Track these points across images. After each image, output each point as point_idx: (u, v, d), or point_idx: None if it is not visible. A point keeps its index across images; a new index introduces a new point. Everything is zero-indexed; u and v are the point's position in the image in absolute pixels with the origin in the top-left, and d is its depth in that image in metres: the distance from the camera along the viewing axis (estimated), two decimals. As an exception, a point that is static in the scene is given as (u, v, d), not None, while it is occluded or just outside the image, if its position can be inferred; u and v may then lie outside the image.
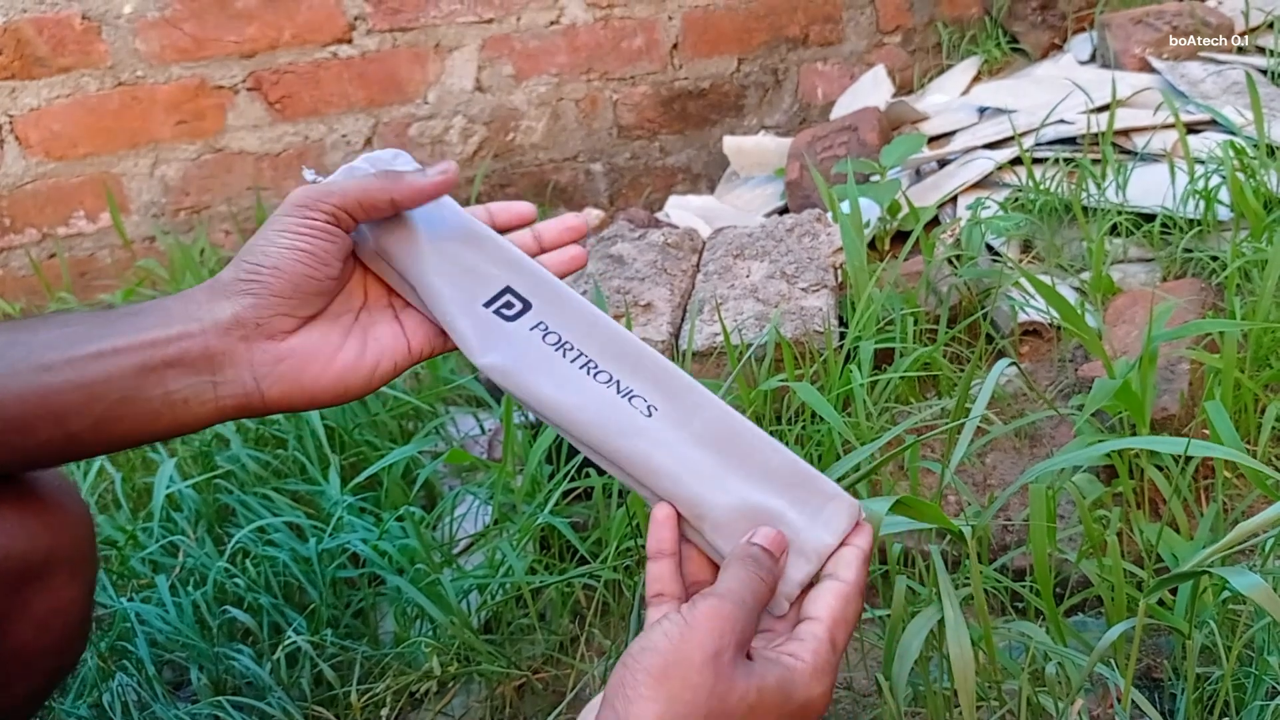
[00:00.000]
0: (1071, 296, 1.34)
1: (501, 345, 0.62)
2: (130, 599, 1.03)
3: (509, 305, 0.63)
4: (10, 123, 1.82)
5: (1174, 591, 0.85)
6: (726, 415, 0.62)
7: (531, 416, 1.26)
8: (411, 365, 0.64)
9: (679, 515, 0.60)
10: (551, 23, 2.07)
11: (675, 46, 2.17)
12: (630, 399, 0.61)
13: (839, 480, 0.89)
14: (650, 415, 0.61)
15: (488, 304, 0.63)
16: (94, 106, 1.85)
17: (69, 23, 1.81)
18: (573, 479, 1.09)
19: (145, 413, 0.57)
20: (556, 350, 0.62)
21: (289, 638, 0.96)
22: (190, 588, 1.03)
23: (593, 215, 2.06)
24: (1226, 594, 0.82)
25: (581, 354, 0.62)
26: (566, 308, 0.64)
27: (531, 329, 0.63)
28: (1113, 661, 0.82)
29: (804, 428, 1.11)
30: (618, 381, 0.62)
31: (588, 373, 0.62)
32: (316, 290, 0.60)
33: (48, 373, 0.55)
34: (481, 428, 1.33)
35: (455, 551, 1.10)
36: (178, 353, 0.57)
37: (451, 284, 0.62)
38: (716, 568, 0.59)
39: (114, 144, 1.88)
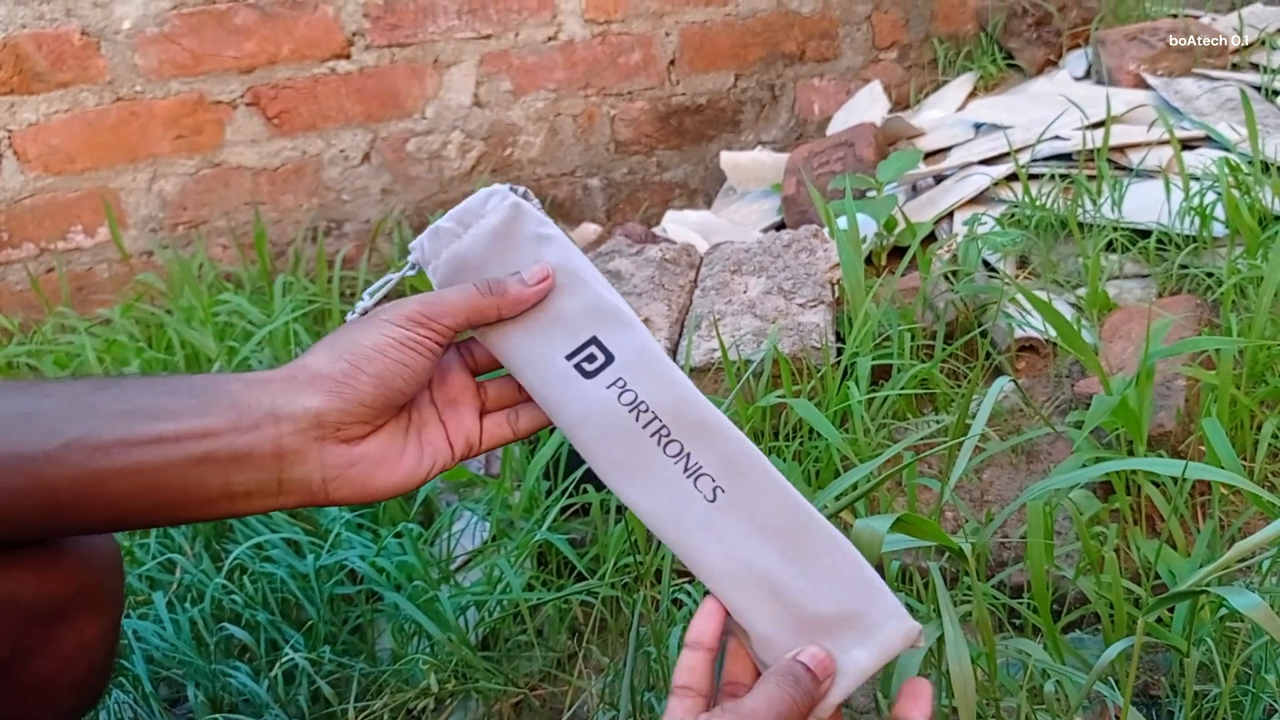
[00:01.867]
0: (1068, 312, 1.34)
1: (575, 403, 0.60)
2: (128, 616, 1.02)
3: (591, 359, 0.61)
4: (9, 137, 1.82)
5: (1172, 609, 0.85)
6: (795, 505, 0.59)
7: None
8: (450, 468, 0.63)
9: (727, 612, 0.58)
10: (549, 38, 2.08)
11: (672, 62, 2.18)
12: (697, 479, 0.59)
13: (837, 498, 0.89)
14: (714, 499, 0.59)
15: (569, 356, 0.61)
16: (92, 121, 1.85)
17: (68, 38, 1.81)
18: (571, 495, 1.09)
19: (202, 500, 0.55)
20: (630, 413, 0.60)
21: (286, 655, 0.96)
22: (187, 604, 1.03)
23: (590, 230, 2.06)
24: (1224, 612, 0.82)
25: (656, 418, 0.60)
26: (648, 362, 0.61)
27: (609, 386, 0.60)
28: (1111, 679, 0.82)
29: (802, 444, 1.11)
30: (688, 455, 0.59)
31: (658, 442, 0.59)
32: (401, 404, 0.59)
33: (104, 456, 0.53)
34: (479, 443, 1.33)
35: (453, 568, 1.10)
36: (246, 447, 0.55)
37: (534, 336, 0.61)
38: (758, 672, 0.58)
39: (112, 159, 1.88)
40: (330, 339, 0.58)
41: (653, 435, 0.60)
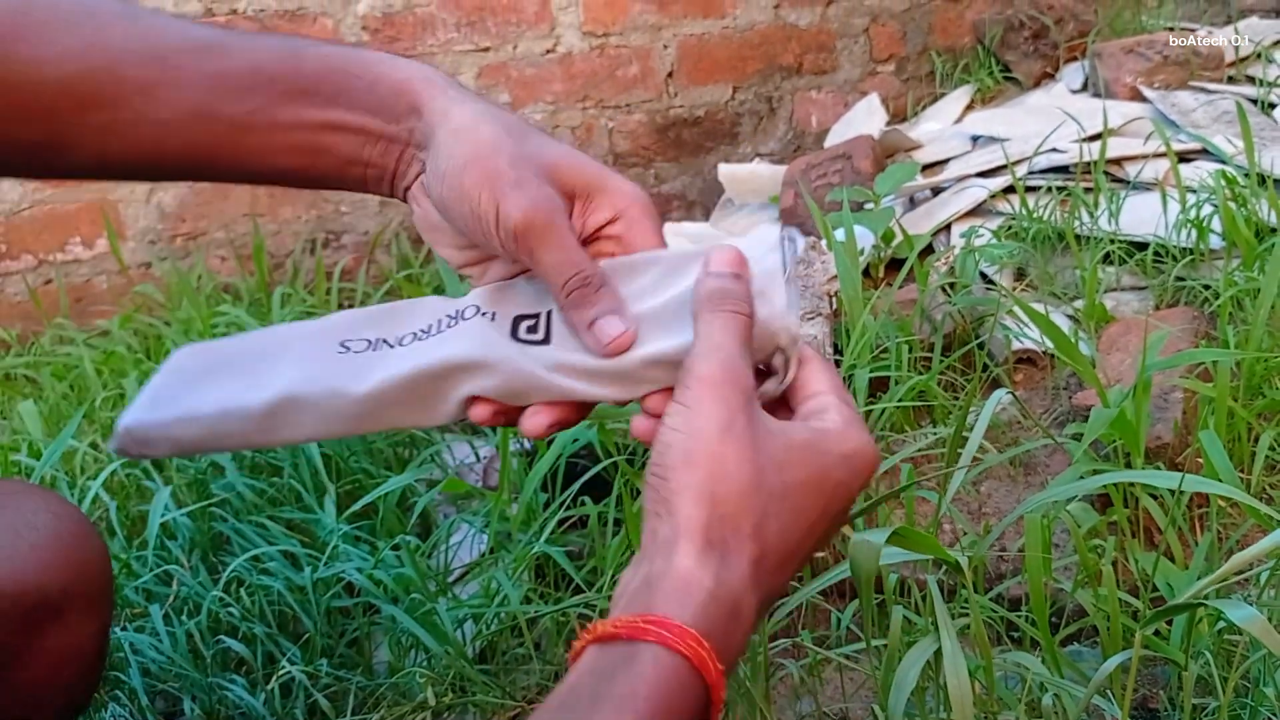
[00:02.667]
0: (1065, 324, 1.34)
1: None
2: (124, 628, 1.02)
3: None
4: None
5: (1170, 622, 0.85)
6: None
7: (528, 444, 1.27)
8: None
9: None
10: (547, 51, 2.09)
11: (670, 75, 2.18)
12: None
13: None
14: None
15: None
16: (92, 133, 1.86)
17: (68, 50, 1.82)
18: (568, 508, 1.09)
19: (343, 180, 0.58)
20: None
21: (283, 668, 0.96)
22: (184, 617, 1.02)
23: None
24: (1223, 624, 0.82)
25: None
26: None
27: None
28: (1109, 692, 0.82)
29: (800, 456, 1.11)
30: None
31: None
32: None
33: (282, 132, 0.56)
34: (477, 455, 1.33)
35: (450, 580, 1.10)
36: (380, 155, 0.57)
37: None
38: None
39: (111, 170, 1.88)
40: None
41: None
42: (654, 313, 0.54)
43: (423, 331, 0.57)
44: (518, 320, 0.57)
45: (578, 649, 0.42)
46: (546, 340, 0.55)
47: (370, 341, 0.57)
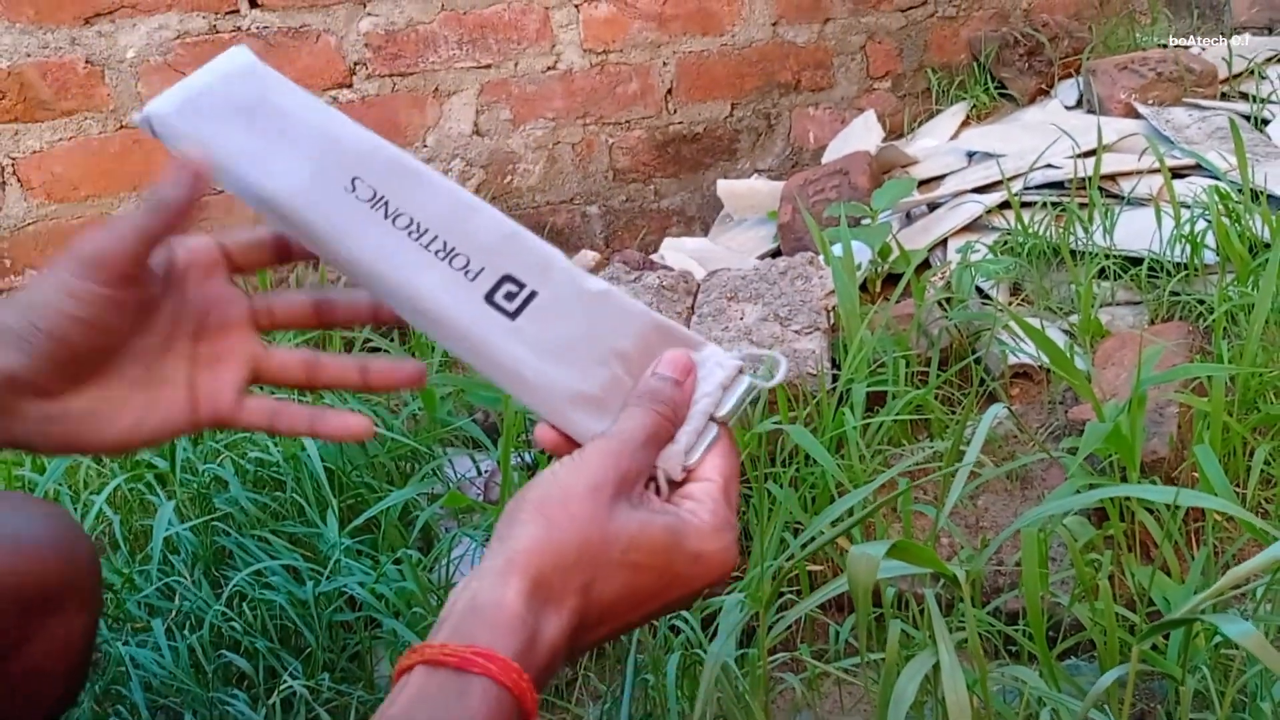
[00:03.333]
0: (1060, 339, 1.35)
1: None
2: (126, 642, 1.03)
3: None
4: (12, 165, 1.83)
5: (1167, 636, 0.86)
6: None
7: (529, 457, 1.27)
8: (198, 431, 0.57)
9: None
10: (548, 68, 2.11)
11: (670, 91, 2.20)
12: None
13: (833, 523, 0.90)
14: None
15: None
16: (95, 149, 1.87)
17: (73, 67, 1.83)
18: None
19: None
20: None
21: (285, 682, 0.96)
22: (186, 631, 1.03)
23: (589, 257, 2.08)
24: (1219, 639, 0.83)
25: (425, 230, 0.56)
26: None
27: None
28: (1106, 707, 0.82)
29: (798, 470, 1.12)
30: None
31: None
32: (97, 352, 0.53)
33: None
34: (478, 469, 1.34)
35: (452, 594, 1.10)
36: None
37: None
38: None
39: (115, 186, 1.89)
40: (31, 283, 0.53)
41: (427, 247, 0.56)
42: (567, 340, 0.55)
43: (417, 231, 0.55)
44: (503, 280, 0.55)
45: (405, 665, 0.44)
46: (515, 315, 0.55)
47: (375, 195, 0.55)
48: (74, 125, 1.85)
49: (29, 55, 1.80)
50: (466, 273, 0.55)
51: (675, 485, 0.54)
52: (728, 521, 0.52)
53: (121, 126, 1.88)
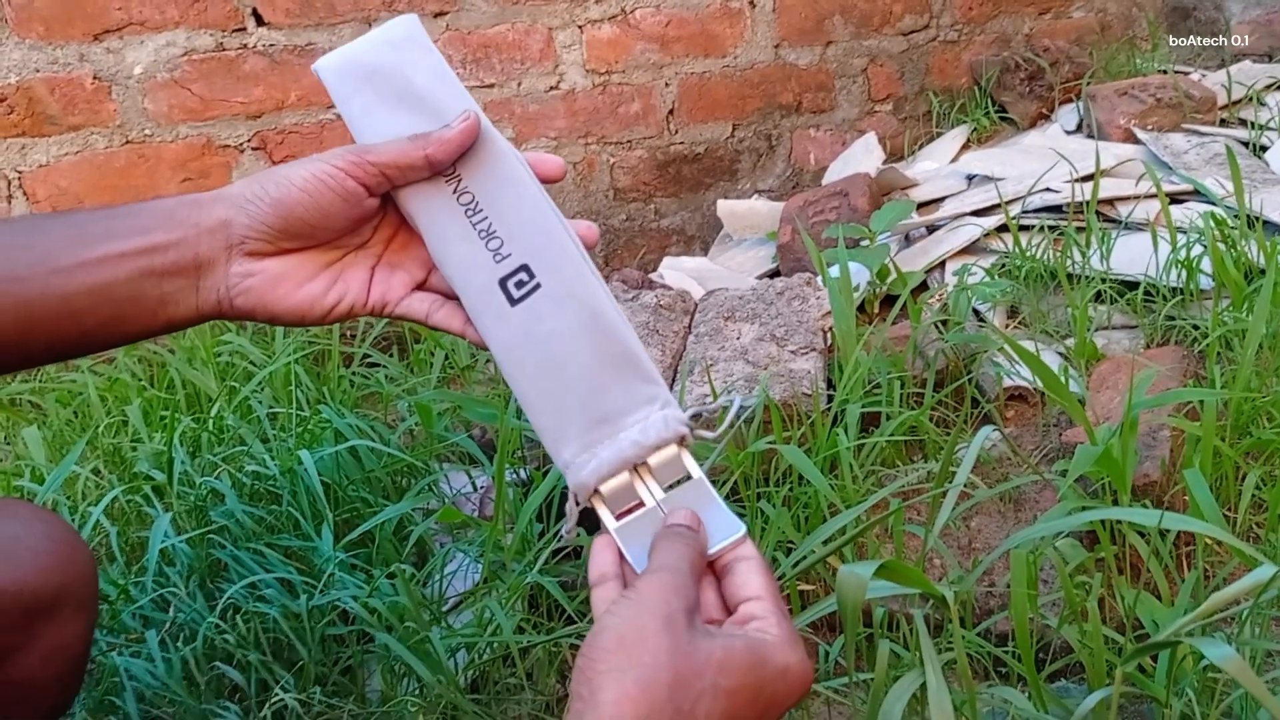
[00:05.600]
0: (1055, 362, 1.36)
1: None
2: (120, 653, 1.03)
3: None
4: (19, 178, 1.85)
5: (1155, 658, 0.86)
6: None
7: (524, 473, 1.28)
8: (363, 315, 0.67)
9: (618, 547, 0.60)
10: (551, 88, 2.12)
11: (671, 112, 2.21)
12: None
13: (824, 543, 0.91)
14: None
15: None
16: (101, 164, 1.89)
17: (80, 82, 1.85)
18: (562, 538, 1.10)
19: (145, 310, 0.61)
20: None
21: (277, 695, 0.96)
22: (180, 643, 1.03)
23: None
24: (1206, 661, 0.83)
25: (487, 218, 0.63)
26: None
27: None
28: (1093, 728, 0.82)
29: (791, 489, 1.13)
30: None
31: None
32: (304, 233, 0.62)
33: (61, 275, 0.59)
34: (474, 484, 1.35)
35: (444, 609, 1.11)
36: (175, 257, 0.60)
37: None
38: None
39: (119, 200, 1.91)
40: (292, 163, 0.63)
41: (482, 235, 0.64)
42: (547, 339, 0.62)
43: (473, 209, 0.63)
44: (520, 269, 0.62)
45: None
46: (515, 303, 0.62)
47: (452, 169, 0.64)
48: (80, 140, 1.87)
49: (38, 70, 1.82)
50: (496, 255, 0.63)
51: (729, 612, 0.56)
52: (795, 632, 0.54)
53: (127, 141, 1.89)
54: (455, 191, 0.64)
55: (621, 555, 0.59)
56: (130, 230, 0.60)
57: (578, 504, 0.62)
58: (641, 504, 0.60)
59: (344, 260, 0.65)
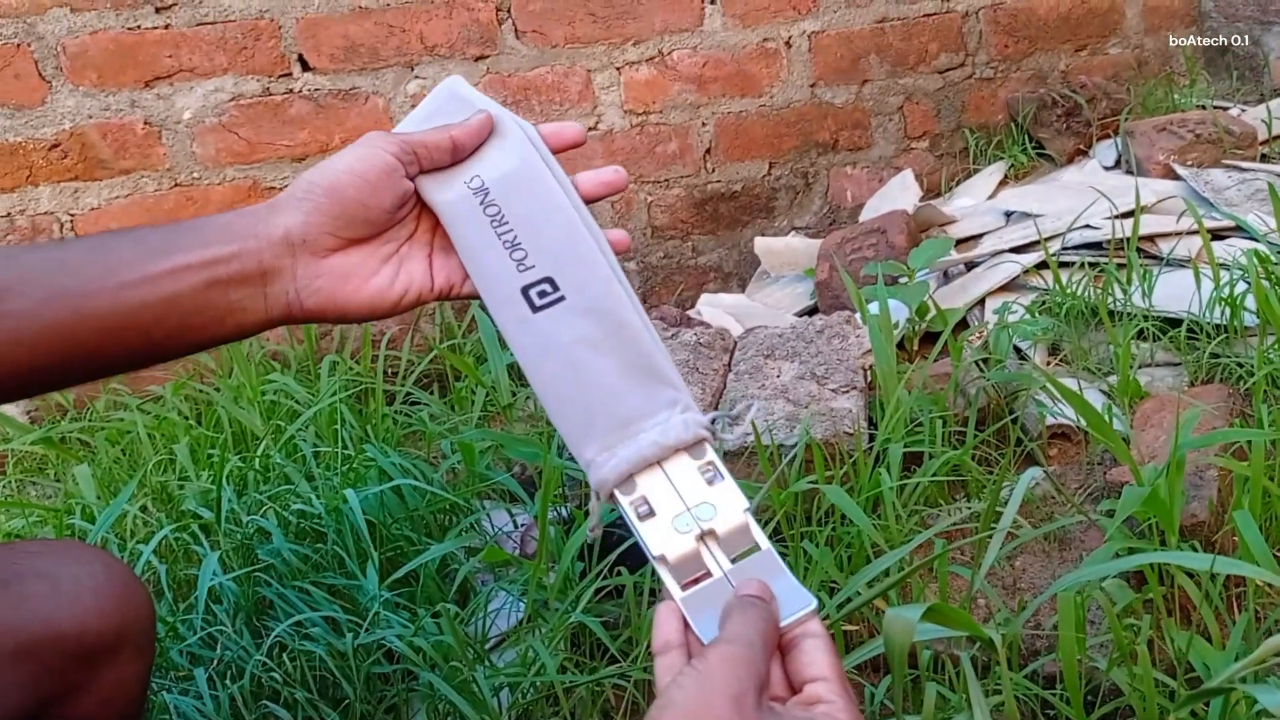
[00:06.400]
0: (1098, 400, 1.35)
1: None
2: (169, 691, 1.05)
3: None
4: (71, 221, 1.90)
5: (1207, 703, 0.85)
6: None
7: (565, 512, 1.29)
8: (433, 300, 0.70)
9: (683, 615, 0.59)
10: (590, 128, 2.15)
11: (708, 151, 2.24)
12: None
13: (869, 584, 0.90)
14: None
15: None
16: (150, 206, 1.93)
17: (131, 128, 1.90)
18: (604, 577, 1.10)
19: (213, 319, 0.63)
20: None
21: (324, 733, 0.97)
22: (228, 680, 1.05)
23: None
24: (1260, 707, 0.82)
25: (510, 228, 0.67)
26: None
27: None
28: (1145, 774, 0.81)
29: (834, 529, 1.13)
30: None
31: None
32: (364, 218, 0.65)
33: (129, 289, 0.61)
34: (515, 524, 1.36)
35: (488, 648, 1.11)
36: (239, 268, 0.63)
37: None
38: None
39: (168, 241, 1.95)
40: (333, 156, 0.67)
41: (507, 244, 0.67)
42: (568, 346, 0.65)
43: (499, 221, 0.67)
44: (543, 280, 0.66)
45: None
46: (536, 310, 0.65)
47: (483, 185, 0.68)
48: (130, 183, 1.92)
49: (91, 117, 1.88)
50: (520, 265, 0.66)
51: (792, 689, 0.56)
52: (859, 713, 0.53)
53: (176, 184, 1.94)
54: (483, 204, 0.68)
55: (687, 624, 0.58)
56: (193, 244, 0.62)
57: (599, 499, 0.63)
58: (708, 574, 0.60)
59: (400, 252, 0.68)
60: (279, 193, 0.69)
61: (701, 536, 0.61)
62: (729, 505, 0.62)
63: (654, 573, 1.07)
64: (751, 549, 0.60)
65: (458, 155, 0.68)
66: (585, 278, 0.65)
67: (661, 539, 0.61)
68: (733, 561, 0.60)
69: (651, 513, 0.61)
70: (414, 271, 0.68)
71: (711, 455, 0.63)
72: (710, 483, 0.62)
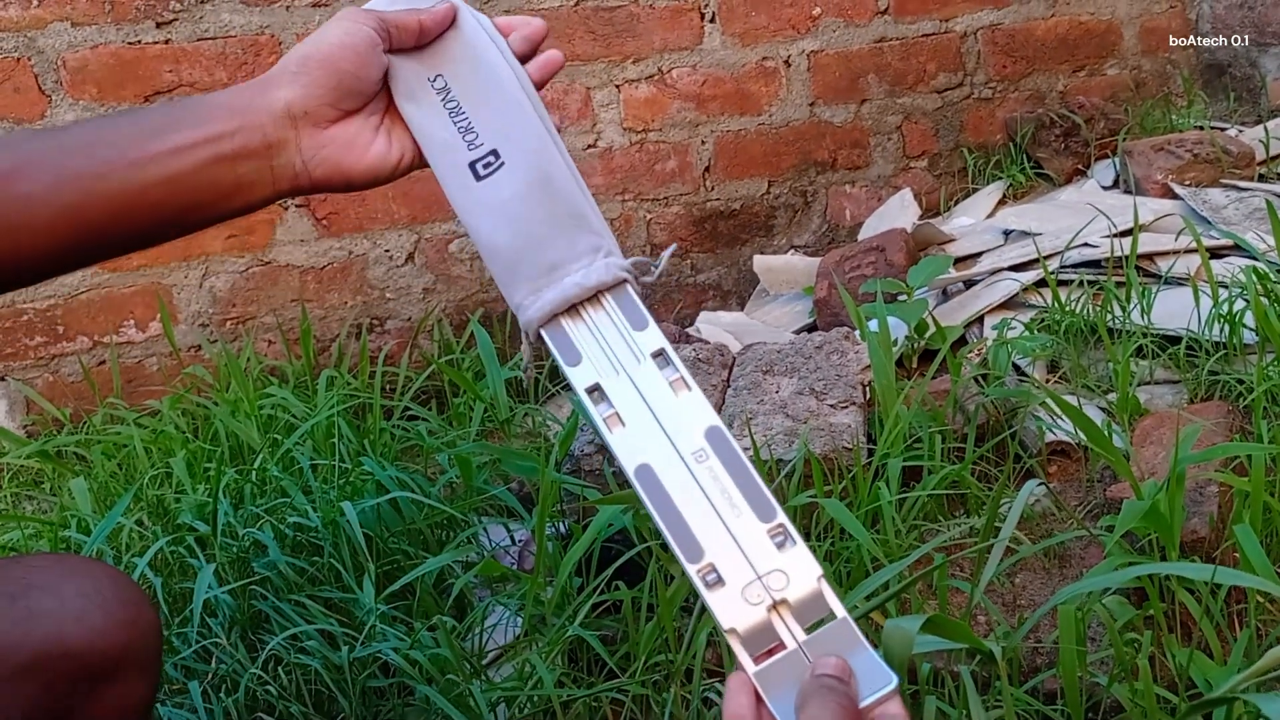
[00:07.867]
0: (1098, 417, 1.35)
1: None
2: (163, 703, 1.04)
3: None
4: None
5: (1208, 717, 0.84)
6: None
7: (563, 527, 1.28)
8: (419, 168, 0.73)
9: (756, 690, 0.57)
10: (589, 146, 2.16)
11: (708, 169, 2.24)
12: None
13: (868, 598, 0.90)
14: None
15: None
16: (151, 221, 1.94)
17: (132, 143, 1.91)
18: (602, 592, 1.10)
19: (220, 195, 0.65)
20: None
21: (318, 747, 0.96)
22: (223, 694, 1.04)
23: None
24: (1263, 717, 0.81)
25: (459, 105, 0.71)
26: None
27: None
28: (1147, 790, 0.81)
29: (833, 544, 1.12)
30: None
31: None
32: (355, 88, 0.68)
33: (137, 168, 0.62)
34: (512, 538, 1.35)
35: (485, 663, 1.10)
36: (243, 142, 0.64)
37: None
38: None
39: (166, 255, 1.95)
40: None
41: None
42: (507, 204, 0.69)
43: (447, 95, 0.71)
44: (490, 154, 0.70)
45: None
46: (480, 179, 0.69)
47: (438, 76, 0.72)
48: (132, 198, 1.92)
49: (93, 131, 1.88)
50: (471, 146, 0.70)
51: None
52: None
53: (177, 199, 1.94)
54: (438, 91, 0.71)
55: (759, 698, 0.56)
56: (193, 122, 0.64)
57: (528, 339, 0.68)
58: (782, 645, 0.57)
59: (387, 122, 0.71)
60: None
61: (774, 606, 0.58)
62: (802, 572, 0.58)
63: (652, 586, 1.06)
64: (827, 617, 0.58)
65: (423, 40, 0.71)
66: (524, 145, 0.70)
67: (732, 611, 0.57)
68: (807, 632, 0.57)
69: (720, 581, 0.58)
70: (405, 140, 0.71)
71: (782, 518, 0.60)
72: (780, 547, 0.59)
